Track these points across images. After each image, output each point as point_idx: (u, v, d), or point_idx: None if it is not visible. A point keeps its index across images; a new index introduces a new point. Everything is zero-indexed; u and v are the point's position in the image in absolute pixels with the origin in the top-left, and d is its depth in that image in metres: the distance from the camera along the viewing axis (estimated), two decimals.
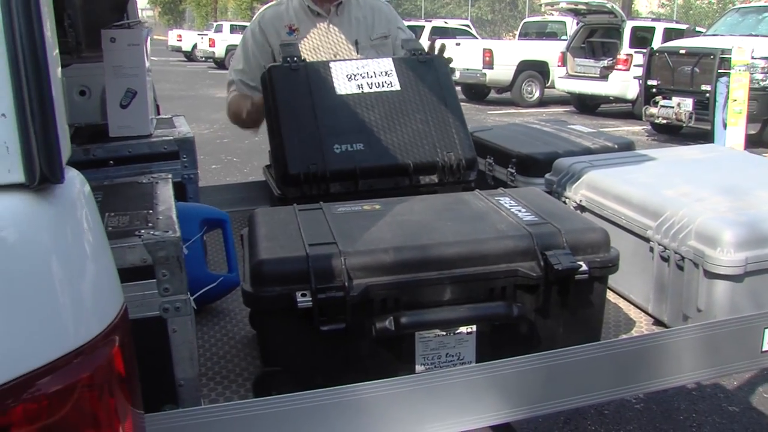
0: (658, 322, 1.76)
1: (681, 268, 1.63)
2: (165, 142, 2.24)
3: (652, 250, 1.71)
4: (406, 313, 1.38)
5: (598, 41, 16.19)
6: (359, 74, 2.18)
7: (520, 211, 1.60)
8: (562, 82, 16.16)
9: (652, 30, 15.38)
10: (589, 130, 2.80)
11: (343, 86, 2.15)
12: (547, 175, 2.20)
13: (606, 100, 15.90)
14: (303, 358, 1.42)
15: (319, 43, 2.87)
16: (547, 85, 17.47)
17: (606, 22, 15.75)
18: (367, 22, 2.91)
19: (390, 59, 2.27)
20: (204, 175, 9.35)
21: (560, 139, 2.67)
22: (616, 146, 2.56)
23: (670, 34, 14.97)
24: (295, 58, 2.19)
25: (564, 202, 2.09)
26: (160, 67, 28.91)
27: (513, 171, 2.53)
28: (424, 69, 2.26)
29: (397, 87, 2.17)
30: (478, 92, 18.14)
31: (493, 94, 18.23)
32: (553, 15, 19.81)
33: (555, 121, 2.99)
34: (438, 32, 21.02)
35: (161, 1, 63.64)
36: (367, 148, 2.06)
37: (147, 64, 2.31)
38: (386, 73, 2.20)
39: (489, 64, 16.88)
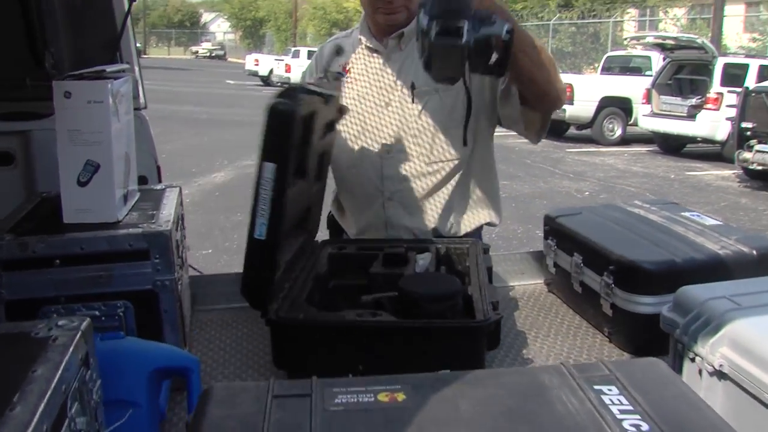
0: None
1: None
2: (131, 237, 1.63)
3: None
4: None
5: (686, 78, 15.33)
6: None
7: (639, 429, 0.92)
8: (647, 121, 15.32)
9: (745, 67, 14.38)
10: (712, 221, 2.09)
11: None
12: (665, 311, 1.51)
13: (692, 140, 14.96)
14: None
15: (367, 87, 2.26)
16: (630, 122, 16.61)
17: (695, 58, 14.89)
18: None
19: None
20: None
21: (674, 236, 1.97)
22: (754, 252, 1.85)
23: (765, 72, 13.95)
24: None
25: (692, 360, 1.40)
26: (236, 91, 29.01)
27: (611, 282, 1.85)
28: None
29: None
30: (556, 128, 17.30)
31: (572, 131, 17.40)
32: (636, 49, 18.90)
33: (663, 204, 2.28)
34: None
35: (242, 26, 64.53)
36: None
37: (118, 125, 1.72)
38: None
39: (569, 99, 16.10)
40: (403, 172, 2.26)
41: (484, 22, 1.60)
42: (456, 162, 2.22)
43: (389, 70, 2.27)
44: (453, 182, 2.27)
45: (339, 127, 2.27)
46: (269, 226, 1.53)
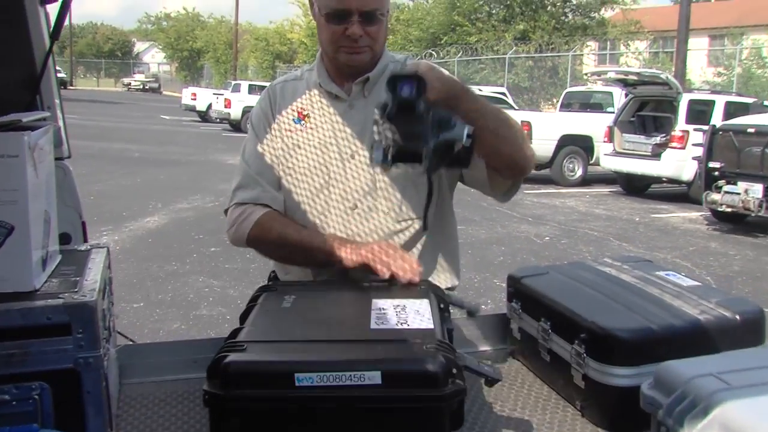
0: None
1: None
2: (49, 310, 1.54)
3: None
4: None
5: (649, 115, 15.60)
6: None
7: None
8: (609, 160, 15.53)
9: (711, 103, 14.70)
10: (690, 282, 2.07)
11: None
12: (646, 388, 1.47)
13: (657, 180, 15.19)
14: None
15: (330, 136, 2.20)
16: (591, 162, 16.84)
17: (659, 94, 15.18)
18: None
19: None
20: (201, 259, 8.69)
21: (650, 300, 1.94)
22: (737, 317, 1.84)
23: (731, 109, 14.28)
24: None
25: None
26: (171, 128, 28.82)
27: (582, 351, 1.81)
28: None
29: None
30: None
31: (531, 171, 17.58)
32: (597, 84, 19.29)
33: (635, 263, 2.27)
34: None
35: (179, 57, 64.41)
36: None
37: (36, 181, 1.64)
38: None
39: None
40: (371, 230, 2.19)
41: (444, 127, 1.61)
42: (423, 220, 2.19)
43: (353, 119, 2.20)
44: (420, 244, 2.22)
45: (300, 177, 2.21)
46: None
